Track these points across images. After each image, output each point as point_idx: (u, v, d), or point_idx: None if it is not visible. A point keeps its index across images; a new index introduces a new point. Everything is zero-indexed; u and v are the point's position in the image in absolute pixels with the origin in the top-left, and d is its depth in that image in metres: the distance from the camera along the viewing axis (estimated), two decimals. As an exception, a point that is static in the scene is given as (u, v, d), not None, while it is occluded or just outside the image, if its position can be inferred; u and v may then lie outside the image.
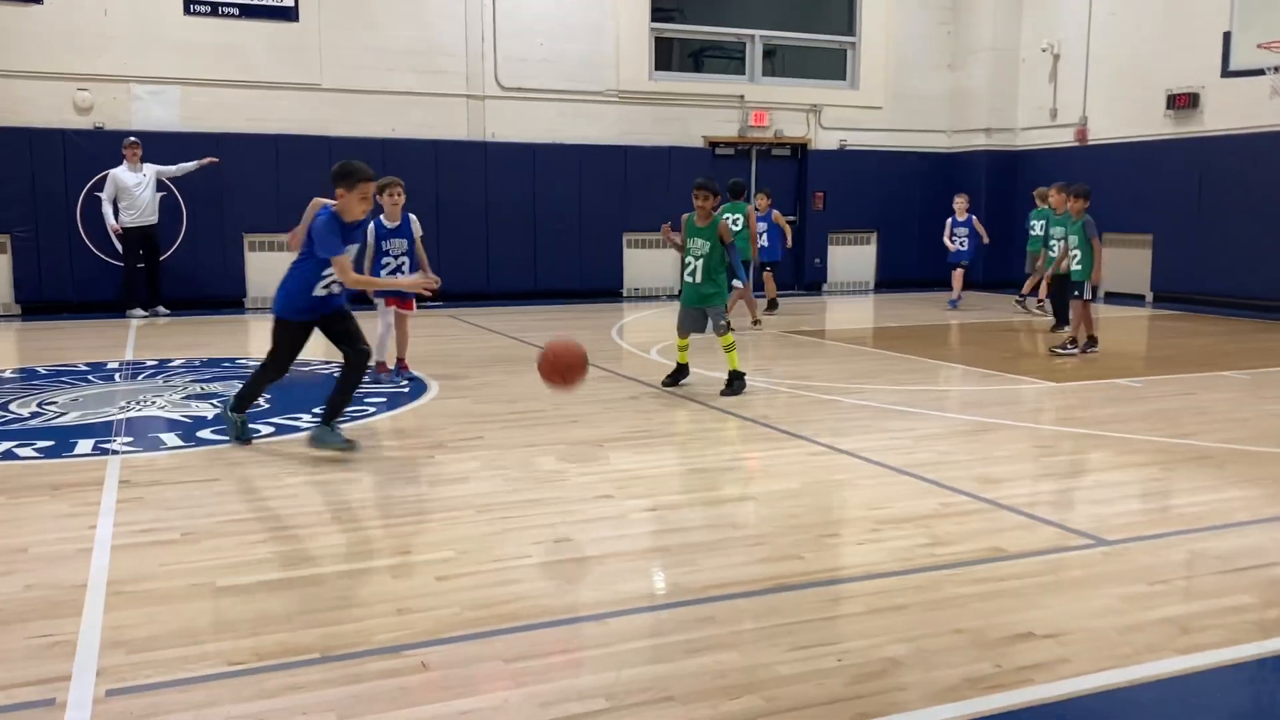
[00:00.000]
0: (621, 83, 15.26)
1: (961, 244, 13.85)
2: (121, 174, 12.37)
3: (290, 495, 4.82)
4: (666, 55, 16.24)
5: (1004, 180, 16.37)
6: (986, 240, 14.01)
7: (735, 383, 7.44)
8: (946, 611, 3.42)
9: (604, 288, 15.19)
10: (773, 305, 13.10)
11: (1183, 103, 13.98)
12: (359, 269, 6.61)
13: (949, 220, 13.99)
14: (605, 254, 15.21)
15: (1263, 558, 3.96)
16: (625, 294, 15.35)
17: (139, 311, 12.55)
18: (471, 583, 3.66)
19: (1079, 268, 9.49)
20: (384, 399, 7.21)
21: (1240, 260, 13.16)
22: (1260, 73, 11.59)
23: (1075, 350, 9.42)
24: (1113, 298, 14.40)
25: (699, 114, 15.79)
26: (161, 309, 12.80)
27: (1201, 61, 13.23)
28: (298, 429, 6.18)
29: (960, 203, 13.96)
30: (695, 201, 7.49)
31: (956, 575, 3.76)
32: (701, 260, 7.51)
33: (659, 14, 15.76)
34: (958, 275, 14.00)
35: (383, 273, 7.81)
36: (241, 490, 4.95)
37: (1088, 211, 9.53)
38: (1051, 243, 11.36)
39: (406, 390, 7.56)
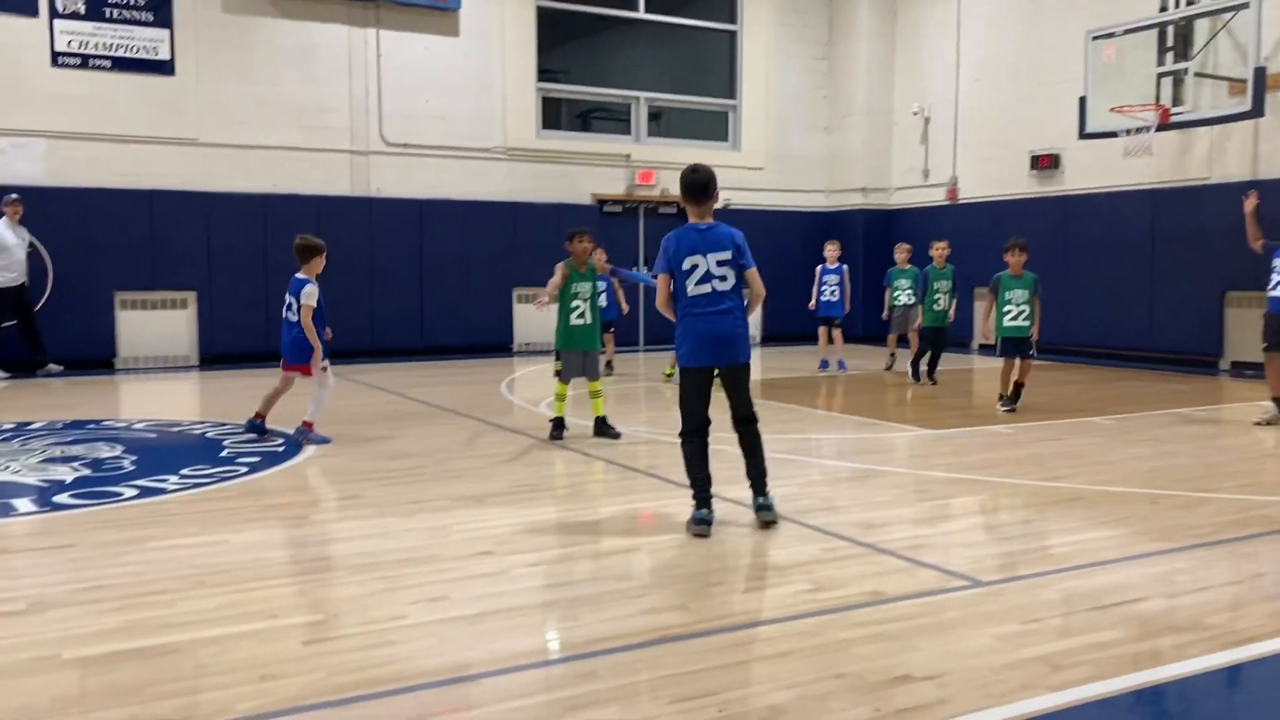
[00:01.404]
0: (509, 140, 15.31)
1: (833, 294, 12.49)
2: (2, 231, 11.81)
3: (151, 560, 4.57)
4: (555, 114, 16.40)
5: (880, 237, 16.90)
6: (848, 307, 12.71)
7: (610, 428, 7.65)
8: (828, 656, 3.40)
9: (493, 343, 15.07)
10: (608, 368, 11.84)
11: (1045, 163, 14.72)
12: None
13: (819, 268, 12.72)
14: (494, 309, 15.12)
15: (1129, 594, 4.08)
16: (515, 349, 15.25)
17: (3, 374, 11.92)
18: (342, 646, 3.50)
19: (1025, 324, 9.12)
20: (257, 458, 6.94)
21: (1102, 312, 13.82)
22: (1114, 135, 12.28)
23: (1013, 406, 9.10)
24: (985, 349, 14.92)
25: (587, 172, 15.94)
26: (54, 365, 12.23)
27: (1061, 125, 13.96)
28: (163, 491, 5.89)
29: (831, 250, 12.68)
30: (577, 245, 7.64)
31: (838, 620, 3.76)
32: (589, 303, 7.63)
33: (546, 75, 15.94)
34: (825, 333, 12.65)
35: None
36: (99, 556, 4.67)
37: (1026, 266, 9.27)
38: (936, 295, 11.04)
39: (281, 449, 7.30)
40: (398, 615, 3.83)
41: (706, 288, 5.07)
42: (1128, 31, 12.17)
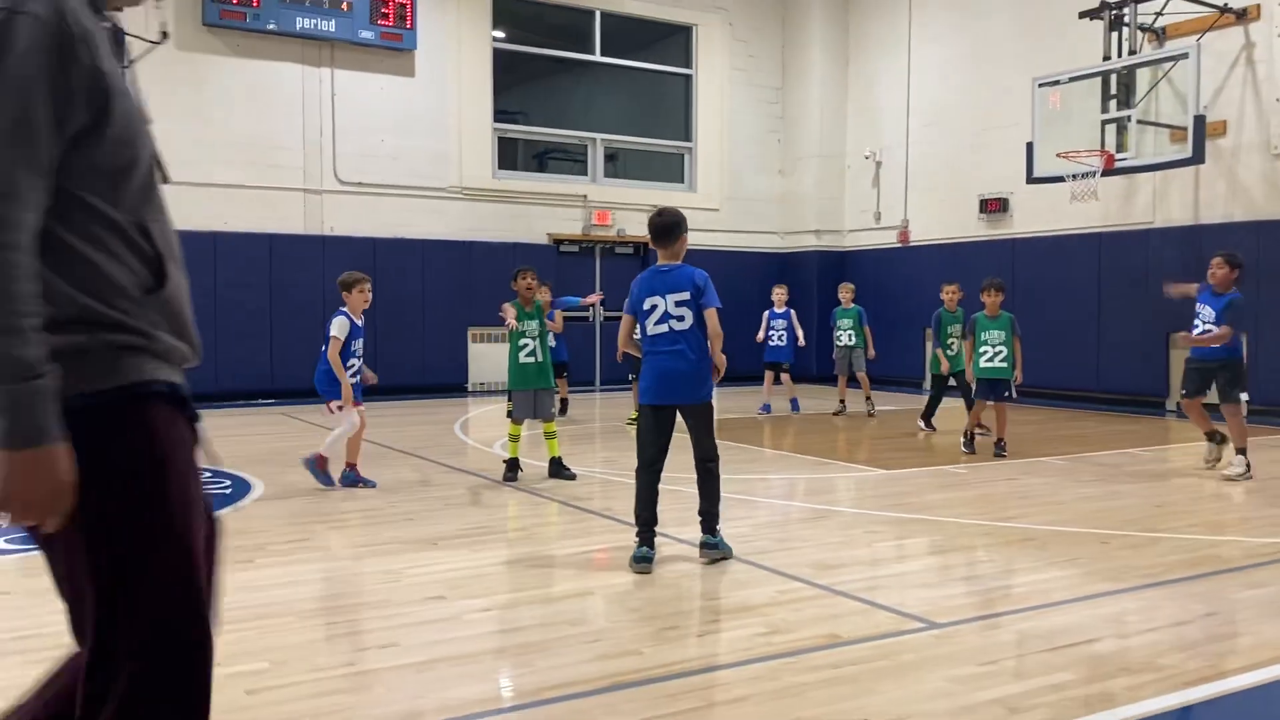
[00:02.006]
0: (465, 180, 15.31)
1: (780, 339, 12.36)
2: None
3: (89, 607, 4.42)
4: (511, 155, 16.44)
5: (834, 279, 17.03)
6: (803, 343, 12.71)
7: (565, 469, 7.61)
8: (785, 701, 3.36)
9: (448, 382, 14.95)
10: (562, 408, 11.49)
11: (994, 207, 15.00)
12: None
13: (766, 314, 12.55)
14: (449, 348, 15.02)
15: (1082, 635, 4.09)
16: (470, 388, 15.14)
17: None
18: (286, 695, 3.40)
19: (1004, 365, 8.96)
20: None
21: (1051, 353, 14.01)
22: (1060, 179, 12.54)
23: (972, 449, 9.09)
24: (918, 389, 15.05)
25: (543, 212, 15.96)
26: None
27: (1009, 169, 14.24)
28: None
29: (779, 294, 12.60)
30: (521, 283, 7.75)
31: (794, 664, 3.73)
32: (538, 341, 7.70)
33: (503, 115, 16.00)
34: (771, 377, 12.50)
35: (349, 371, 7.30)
36: (31, 604, 4.51)
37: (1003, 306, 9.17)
38: (950, 341, 10.29)
39: (228, 491, 7.15)
40: (346, 662, 3.73)
41: (664, 327, 5.19)
42: (1072, 79, 12.48)
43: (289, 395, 13.53)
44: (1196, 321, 8.12)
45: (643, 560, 5.05)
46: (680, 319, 5.19)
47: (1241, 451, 7.81)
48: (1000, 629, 4.20)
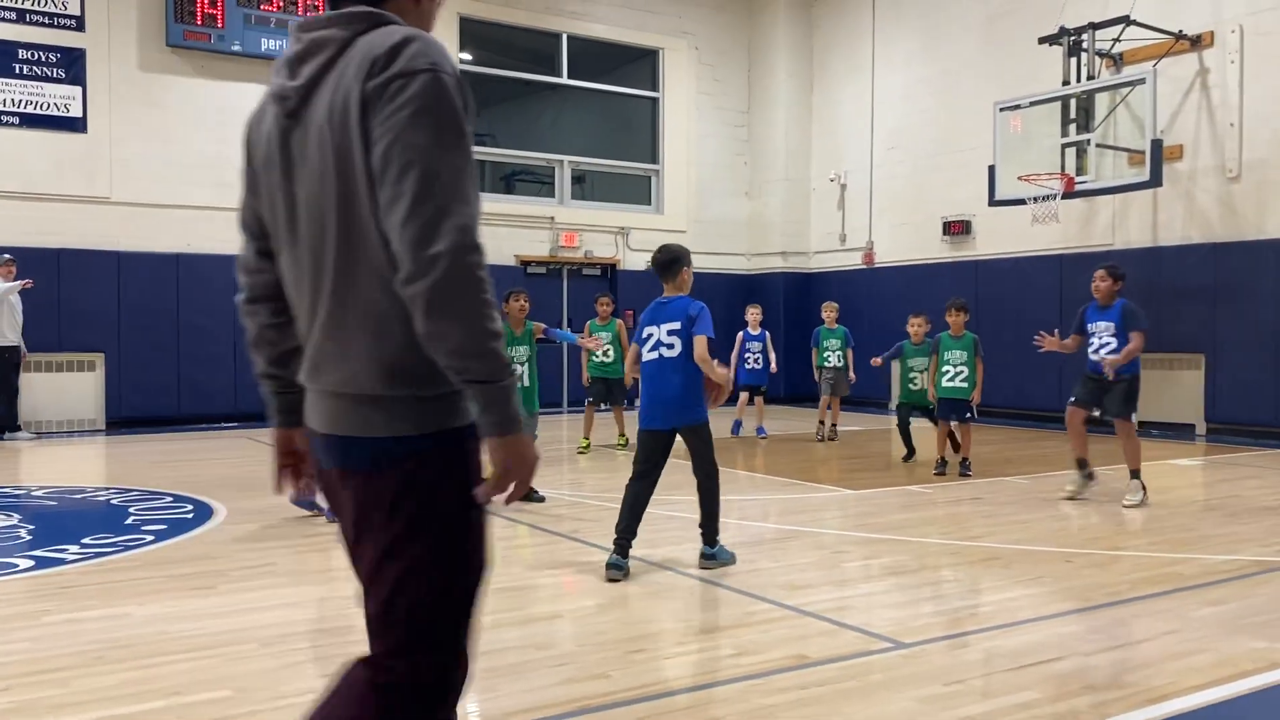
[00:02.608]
0: (431, 201, 15.25)
1: (757, 361, 12.00)
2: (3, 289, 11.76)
3: (46, 636, 4.34)
4: (478, 176, 16.39)
5: (800, 300, 17.19)
6: (775, 369, 12.25)
7: (533, 491, 7.51)
8: (752, 724, 3.36)
9: (413, 406, 14.85)
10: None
11: (957, 229, 15.18)
12: None
13: (740, 334, 12.08)
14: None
15: (1047, 654, 4.12)
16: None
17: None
18: (249, 723, 3.35)
19: (965, 385, 8.96)
20: (164, 525, 6.69)
21: (1014, 373, 14.17)
22: (1022, 202, 12.72)
23: (943, 470, 9.03)
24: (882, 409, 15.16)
25: (511, 233, 15.96)
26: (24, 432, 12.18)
27: (971, 192, 14.43)
28: (62, 561, 5.63)
29: (754, 315, 12.16)
30: (514, 305, 7.73)
31: (762, 685, 3.72)
32: (527, 366, 7.76)
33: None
34: (747, 398, 12.15)
35: None
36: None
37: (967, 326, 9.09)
38: (913, 375, 9.94)
39: (190, 516, 7.05)
40: (310, 690, 3.68)
41: (654, 354, 5.53)
42: (1033, 103, 12.69)
43: (252, 419, 13.39)
44: (1093, 340, 7.88)
45: (612, 568, 5.29)
46: (670, 347, 5.46)
47: (1135, 475, 7.53)
48: (966, 648, 4.23)
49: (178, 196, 13.49)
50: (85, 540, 6.18)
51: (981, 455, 10.34)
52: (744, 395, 12.23)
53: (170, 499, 7.70)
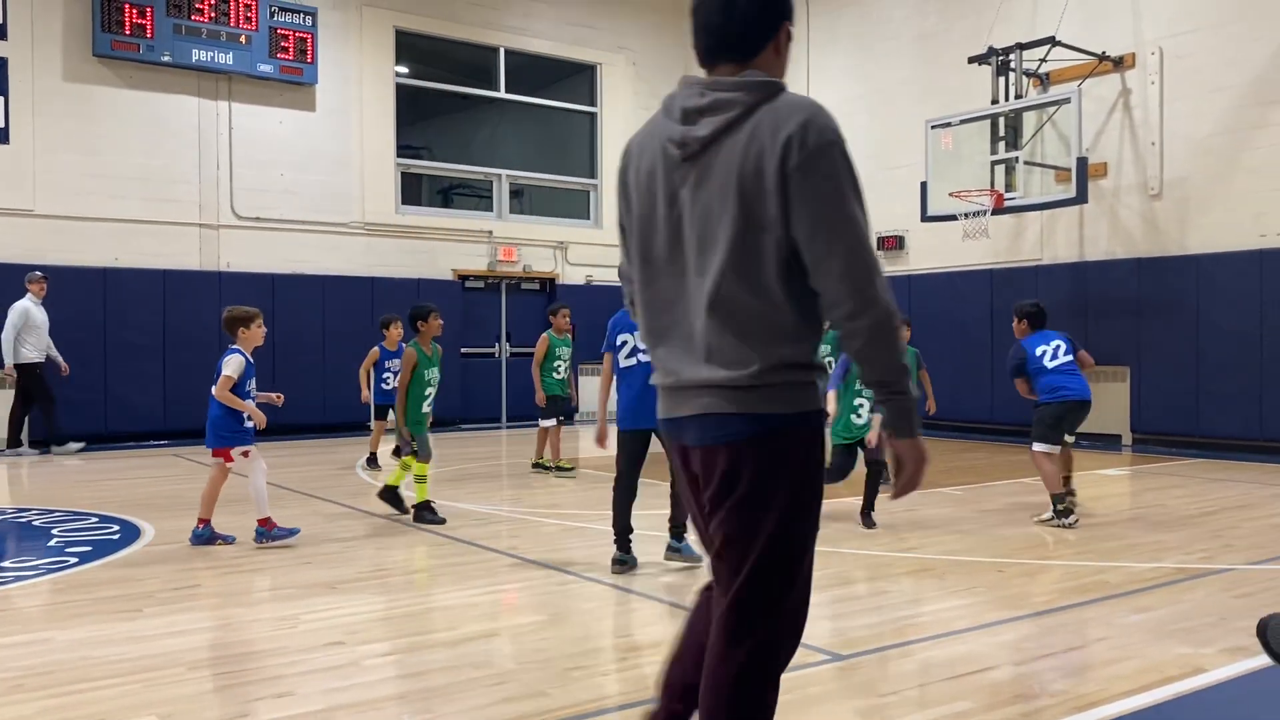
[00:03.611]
0: (367, 215, 15.12)
1: None
2: (31, 309, 11.72)
3: (-39, 664, 4.18)
4: (415, 190, 16.31)
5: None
6: None
7: (426, 512, 7.37)
8: (691, 739, 3.34)
9: (349, 421, 14.63)
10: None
11: (891, 244, 15.42)
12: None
13: None
14: (351, 386, 14.68)
15: (981, 663, 4.17)
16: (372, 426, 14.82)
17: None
18: (175, 750, 3.26)
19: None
20: (89, 547, 6.49)
21: (947, 385, 14.39)
22: (953, 218, 12.96)
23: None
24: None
25: (448, 248, 15.84)
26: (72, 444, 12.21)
27: (905, 208, 14.66)
28: (-21, 587, 5.44)
29: None
30: (434, 323, 7.56)
31: (700, 701, 3.71)
32: (436, 389, 7.67)
33: (406, 151, 15.89)
34: None
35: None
36: (-101, 662, 4.25)
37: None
38: (859, 405, 8.77)
39: (116, 537, 6.86)
40: (239, 714, 3.60)
41: (633, 361, 5.94)
42: (963, 121, 12.94)
43: (182, 436, 13.11)
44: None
45: (619, 563, 5.75)
46: (646, 354, 5.42)
47: (1053, 498, 7.33)
48: (902, 659, 4.27)
49: (106, 209, 13.18)
50: (4, 564, 5.98)
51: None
52: None
53: (95, 520, 7.48)
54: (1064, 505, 7.29)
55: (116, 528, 7.13)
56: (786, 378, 2.33)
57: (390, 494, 7.72)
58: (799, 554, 2.43)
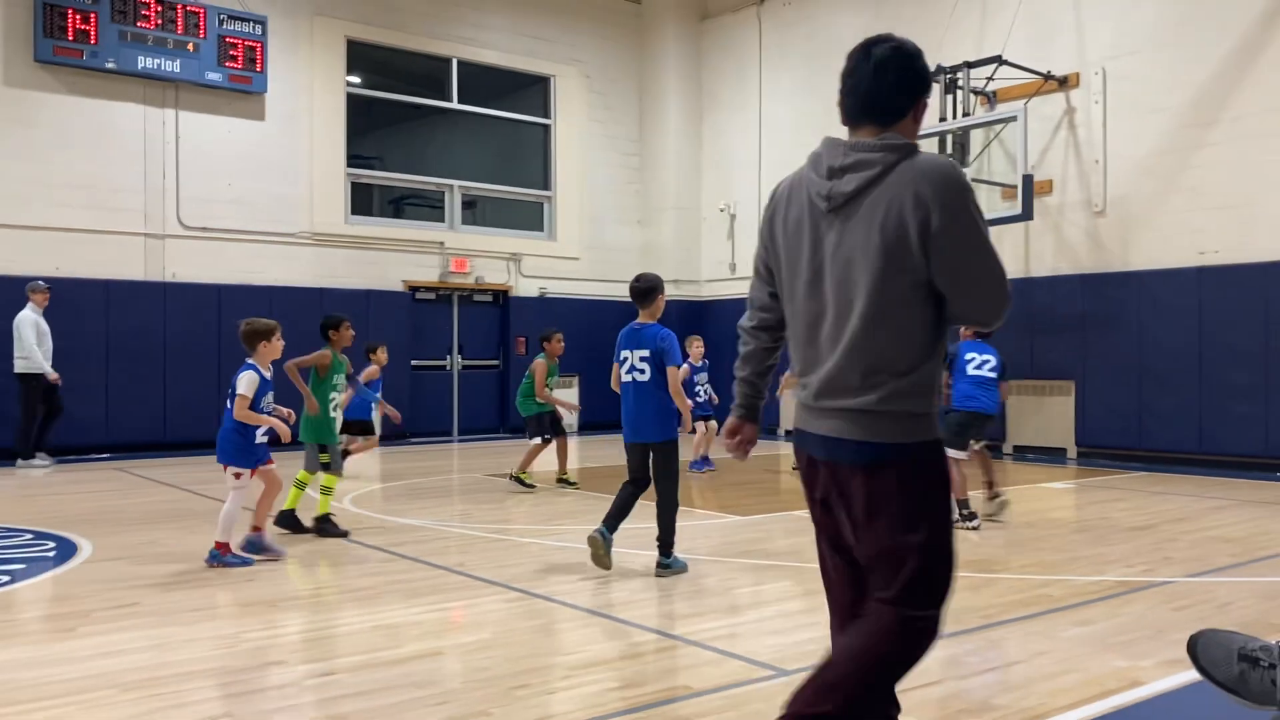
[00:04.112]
0: (316, 225, 14.96)
1: (703, 393, 11.59)
2: (36, 319, 11.81)
3: (-117, 688, 4.04)
4: (366, 200, 16.18)
5: (692, 327, 17.31)
6: (716, 401, 11.82)
7: (328, 525, 7.38)
8: (634, 758, 3.33)
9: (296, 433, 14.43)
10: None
11: (843, 259, 15.55)
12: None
13: (685, 365, 10.99)
14: (298, 399, 14.45)
15: (924, 678, 4.18)
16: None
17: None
18: (104, 776, 3.17)
19: None
20: (22, 565, 6.33)
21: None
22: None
23: None
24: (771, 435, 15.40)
25: (398, 259, 15.72)
26: (41, 457, 12.08)
27: (856, 223, 14.80)
28: (-95, 607, 5.27)
29: (696, 348, 11.61)
30: (349, 333, 7.67)
31: (645, 717, 3.70)
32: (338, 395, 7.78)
33: (358, 160, 15.75)
34: (703, 428, 11.44)
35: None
36: None
37: None
38: None
39: (51, 555, 6.69)
40: (172, 738, 3.51)
41: (629, 377, 6.19)
42: (912, 139, 13.09)
43: (126, 449, 12.88)
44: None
45: (595, 536, 5.98)
46: (642, 371, 6.12)
47: (959, 501, 7.72)
48: (847, 674, 4.27)
49: (48, 218, 12.90)
50: (-67, 582, 5.80)
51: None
52: (702, 425, 11.46)
53: (30, 536, 7.30)
54: (969, 510, 7.80)
55: (52, 544, 6.97)
56: (909, 408, 2.67)
57: (288, 517, 7.48)
58: (942, 569, 2.73)
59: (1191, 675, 4.09)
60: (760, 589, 5.96)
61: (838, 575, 2.93)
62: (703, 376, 11.79)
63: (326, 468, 7.44)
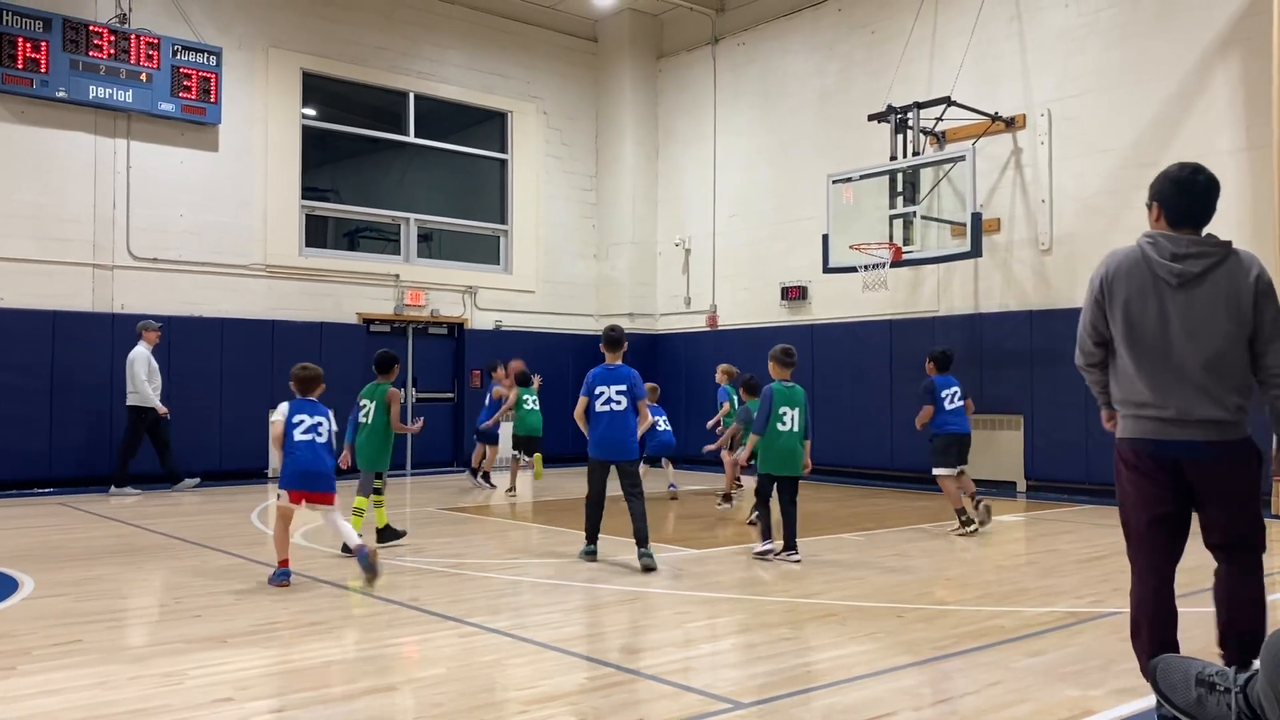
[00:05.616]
0: (269, 257, 14.83)
1: (667, 424, 12.48)
2: (147, 356, 12.63)
3: None
4: (321, 232, 16.08)
5: (647, 361, 17.40)
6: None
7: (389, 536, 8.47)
8: (591, 793, 3.30)
9: (248, 467, 14.23)
10: None
11: (794, 294, 15.73)
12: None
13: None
14: (250, 431, 14.28)
15: (880, 709, 4.22)
16: (271, 474, 14.43)
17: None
18: (45, 818, 3.08)
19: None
20: (-40, 603, 6.15)
21: (847, 432, 14.68)
22: (854, 270, 13.29)
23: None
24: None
25: (353, 291, 15.62)
26: (188, 479, 13.13)
27: (808, 259, 15.00)
28: None
29: (653, 393, 12.19)
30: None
31: (601, 753, 3.67)
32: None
33: (312, 193, 15.67)
34: (668, 463, 12.83)
35: None
36: None
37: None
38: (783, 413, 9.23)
39: (-8, 591, 6.51)
40: (117, 778, 3.42)
41: (607, 408, 7.60)
42: (863, 176, 13.33)
43: (69, 484, 12.60)
44: (944, 404, 9.81)
45: (586, 554, 7.68)
46: (619, 403, 7.61)
47: (957, 510, 9.36)
48: (803, 706, 4.29)
49: (-10, 247, 12.67)
50: None
51: (817, 513, 10.63)
52: (666, 461, 12.85)
53: (-30, 572, 7.10)
54: (966, 516, 9.27)
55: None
56: (1242, 417, 3.87)
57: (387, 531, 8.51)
58: (1261, 523, 3.97)
59: (1143, 704, 4.16)
60: (714, 622, 5.95)
61: None
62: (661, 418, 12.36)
63: (378, 491, 8.63)
